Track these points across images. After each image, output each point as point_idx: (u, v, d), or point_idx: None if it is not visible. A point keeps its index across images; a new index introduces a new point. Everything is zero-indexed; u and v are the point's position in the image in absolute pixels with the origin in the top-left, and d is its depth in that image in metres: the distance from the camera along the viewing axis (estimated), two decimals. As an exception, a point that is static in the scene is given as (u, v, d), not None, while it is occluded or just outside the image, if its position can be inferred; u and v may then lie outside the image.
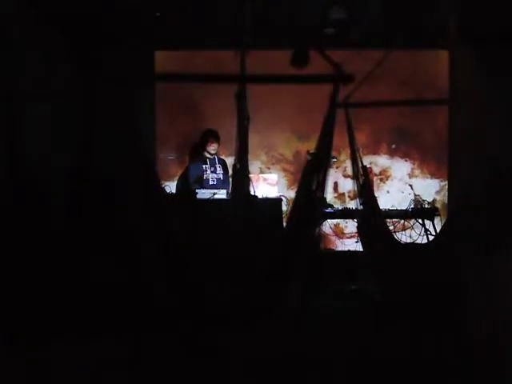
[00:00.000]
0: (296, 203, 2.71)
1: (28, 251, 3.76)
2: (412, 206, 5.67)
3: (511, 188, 3.27)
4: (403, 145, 6.88)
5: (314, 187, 2.49)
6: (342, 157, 6.30)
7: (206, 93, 6.82)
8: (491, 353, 2.61)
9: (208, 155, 5.88)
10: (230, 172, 5.12)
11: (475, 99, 2.42)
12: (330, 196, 6.14)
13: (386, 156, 6.87)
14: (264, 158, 6.86)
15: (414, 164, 6.87)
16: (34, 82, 3.92)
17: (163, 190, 3.10)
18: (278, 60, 6.71)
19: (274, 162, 6.87)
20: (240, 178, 3.67)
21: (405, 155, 6.88)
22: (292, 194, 6.04)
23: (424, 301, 3.44)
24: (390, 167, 6.86)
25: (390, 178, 6.88)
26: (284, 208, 5.44)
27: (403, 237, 5.79)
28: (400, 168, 6.87)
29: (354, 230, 5.75)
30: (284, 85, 6.58)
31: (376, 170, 6.75)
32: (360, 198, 4.21)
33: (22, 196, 3.60)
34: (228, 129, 6.49)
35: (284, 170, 6.82)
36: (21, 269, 3.63)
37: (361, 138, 6.84)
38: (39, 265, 3.79)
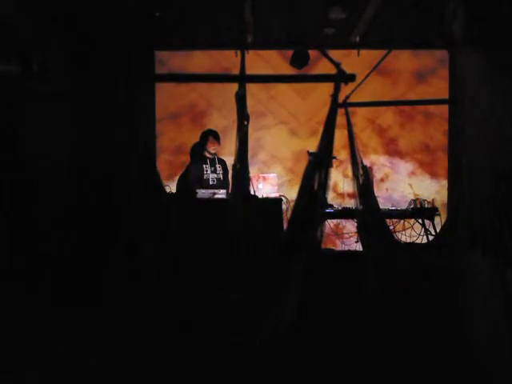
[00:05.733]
0: (298, 203, 2.70)
1: (27, 250, 3.76)
2: (412, 206, 5.67)
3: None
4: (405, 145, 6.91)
5: (315, 187, 2.49)
6: (342, 156, 6.29)
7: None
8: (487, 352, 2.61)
9: (208, 155, 5.88)
10: (230, 172, 5.12)
11: (478, 100, 2.43)
12: (329, 196, 6.14)
13: (386, 156, 6.88)
14: (264, 157, 6.87)
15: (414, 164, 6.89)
16: (34, 81, 3.92)
17: (164, 189, 3.10)
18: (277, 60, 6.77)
19: (274, 161, 6.88)
20: (240, 177, 3.66)
21: (405, 155, 6.89)
22: (292, 194, 6.04)
23: (421, 301, 3.45)
24: (390, 167, 6.87)
25: (389, 178, 6.88)
26: (284, 208, 5.44)
27: (403, 237, 5.80)
28: (400, 168, 6.88)
29: (354, 229, 5.75)
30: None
31: (376, 169, 6.76)
32: (360, 198, 4.21)
33: (23, 195, 3.60)
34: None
35: (284, 169, 6.82)
36: (20, 269, 3.63)
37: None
38: (38, 264, 3.78)
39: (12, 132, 3.53)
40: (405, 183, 6.86)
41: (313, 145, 6.03)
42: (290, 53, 6.61)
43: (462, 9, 2.47)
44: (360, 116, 6.77)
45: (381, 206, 5.79)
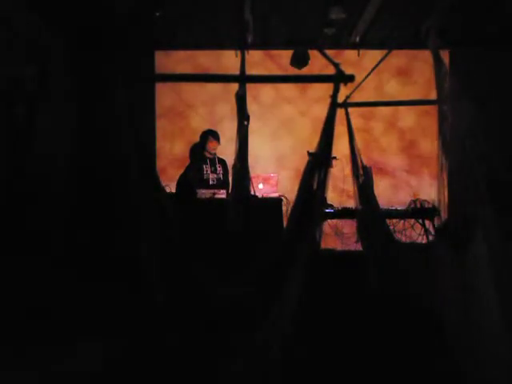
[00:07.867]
0: (296, 203, 2.71)
1: (27, 250, 3.76)
2: (412, 206, 5.67)
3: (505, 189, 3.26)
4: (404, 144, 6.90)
5: (314, 187, 2.49)
6: (343, 156, 6.29)
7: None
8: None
9: (208, 155, 5.88)
10: (230, 172, 5.13)
11: (468, 99, 2.43)
12: (329, 196, 6.12)
13: (386, 155, 6.88)
14: (264, 157, 6.86)
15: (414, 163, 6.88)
16: (34, 82, 3.93)
17: (164, 189, 3.10)
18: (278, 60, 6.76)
19: (274, 161, 6.87)
20: (240, 177, 3.67)
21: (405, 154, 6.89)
22: (292, 194, 6.04)
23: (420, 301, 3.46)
24: (390, 166, 6.87)
25: (390, 178, 6.88)
26: (284, 208, 5.44)
27: (403, 237, 5.80)
28: (400, 167, 6.87)
29: (354, 229, 5.75)
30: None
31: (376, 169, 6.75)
32: (360, 198, 4.21)
33: (23, 196, 3.61)
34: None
35: (284, 169, 6.81)
36: (19, 268, 3.63)
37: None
38: (38, 264, 3.79)
39: (26, 133, 3.55)
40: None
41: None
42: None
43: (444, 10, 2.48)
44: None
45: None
